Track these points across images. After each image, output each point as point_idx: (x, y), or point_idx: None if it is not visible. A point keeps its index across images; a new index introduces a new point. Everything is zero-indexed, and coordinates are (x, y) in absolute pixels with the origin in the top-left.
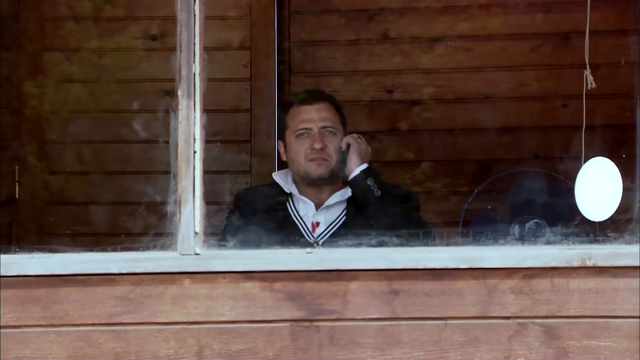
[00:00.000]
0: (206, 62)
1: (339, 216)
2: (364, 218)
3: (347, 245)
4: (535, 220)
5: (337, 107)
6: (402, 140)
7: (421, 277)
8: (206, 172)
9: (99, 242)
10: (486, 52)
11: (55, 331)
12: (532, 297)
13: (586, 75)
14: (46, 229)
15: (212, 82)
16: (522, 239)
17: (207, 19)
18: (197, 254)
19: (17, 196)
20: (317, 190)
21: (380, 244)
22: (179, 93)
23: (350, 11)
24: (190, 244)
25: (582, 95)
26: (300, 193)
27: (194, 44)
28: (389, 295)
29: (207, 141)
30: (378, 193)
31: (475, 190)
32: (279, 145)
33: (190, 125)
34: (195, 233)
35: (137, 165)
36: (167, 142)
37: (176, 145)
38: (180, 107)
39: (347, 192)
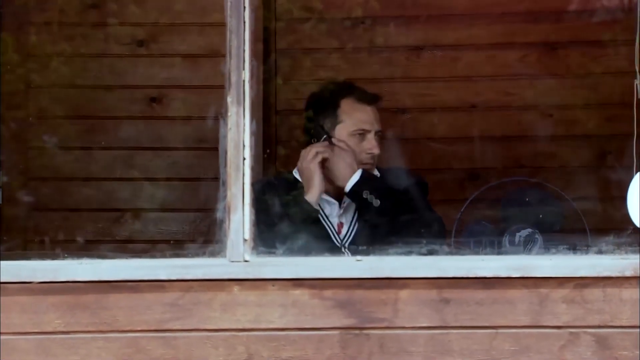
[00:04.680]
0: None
1: (354, 214)
2: (373, 221)
3: (396, 254)
4: (528, 229)
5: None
6: (388, 149)
7: (472, 286)
8: (194, 179)
9: (86, 248)
10: (472, 61)
11: (104, 337)
12: (584, 306)
13: (637, 84)
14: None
15: (198, 89)
16: (512, 248)
17: (194, 25)
18: (247, 261)
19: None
20: (333, 186)
21: (431, 252)
22: (229, 100)
23: (337, 19)
24: (239, 250)
25: (571, 105)
26: None
27: (244, 51)
28: (439, 304)
29: (193, 148)
30: (377, 203)
31: (468, 199)
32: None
33: (239, 132)
34: (245, 240)
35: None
36: (145, 148)
37: (225, 152)
38: (229, 114)
39: None
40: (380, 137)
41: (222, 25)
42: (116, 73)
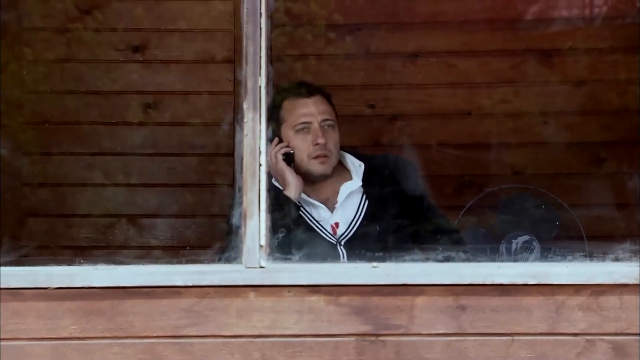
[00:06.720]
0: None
1: (357, 212)
2: (386, 214)
3: (413, 260)
4: (525, 236)
5: (330, 99)
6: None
7: (489, 293)
8: (189, 185)
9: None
10: (467, 68)
11: (120, 343)
12: (600, 314)
13: None
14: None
15: (195, 95)
16: (509, 255)
17: (191, 31)
18: (263, 267)
19: None
20: (320, 186)
21: (447, 259)
22: (245, 106)
23: (332, 25)
24: (255, 256)
25: (567, 112)
26: (306, 194)
27: (260, 57)
28: (455, 311)
29: (190, 154)
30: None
31: (465, 207)
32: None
33: (256, 138)
34: (261, 246)
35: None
36: (132, 153)
37: (241, 158)
38: (246, 120)
39: (354, 184)
40: (332, 125)
41: (219, 31)
42: (111, 79)
